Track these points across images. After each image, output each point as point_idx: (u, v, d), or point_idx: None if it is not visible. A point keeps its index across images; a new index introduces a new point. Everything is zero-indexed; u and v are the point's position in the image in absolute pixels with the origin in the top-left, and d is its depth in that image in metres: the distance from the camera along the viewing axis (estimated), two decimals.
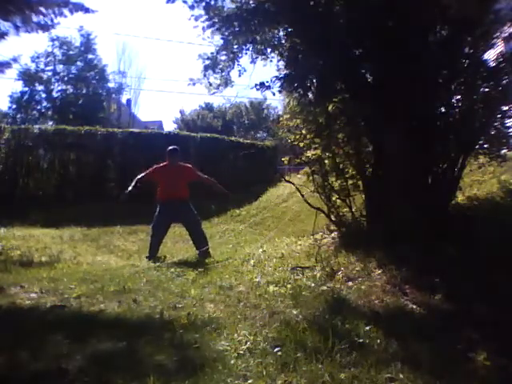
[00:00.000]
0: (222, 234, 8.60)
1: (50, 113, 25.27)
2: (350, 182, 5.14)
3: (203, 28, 4.99)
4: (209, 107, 37.53)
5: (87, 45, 25.28)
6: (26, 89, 24.88)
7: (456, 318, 2.72)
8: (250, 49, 5.09)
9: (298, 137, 5.25)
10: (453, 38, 4.31)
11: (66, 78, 25.11)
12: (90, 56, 25.47)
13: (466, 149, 4.48)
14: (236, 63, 5.24)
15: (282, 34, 4.94)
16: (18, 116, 24.69)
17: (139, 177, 5.68)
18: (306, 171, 5.51)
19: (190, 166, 5.79)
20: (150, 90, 56.35)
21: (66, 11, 5.84)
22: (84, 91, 25.23)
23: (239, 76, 5.47)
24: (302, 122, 5.21)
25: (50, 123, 23.22)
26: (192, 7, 4.94)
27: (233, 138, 15.72)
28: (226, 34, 4.89)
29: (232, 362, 2.15)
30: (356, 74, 4.58)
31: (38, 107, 25.31)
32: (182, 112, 37.42)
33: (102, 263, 5.00)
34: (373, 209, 4.69)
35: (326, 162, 5.15)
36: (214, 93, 5.57)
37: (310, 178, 5.27)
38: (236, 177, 12.69)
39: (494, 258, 3.27)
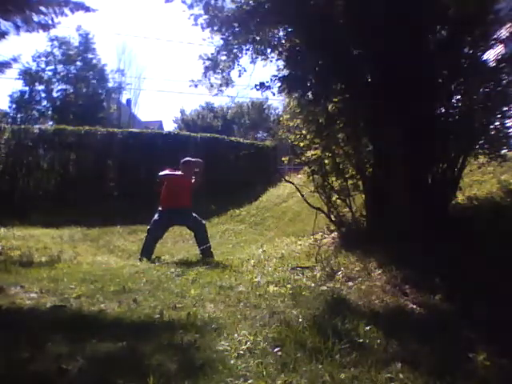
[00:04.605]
0: (221, 233, 8.61)
1: (49, 113, 25.28)
2: (350, 181, 5.14)
3: (202, 27, 4.98)
4: (209, 107, 37.51)
5: (86, 44, 25.29)
6: (26, 88, 24.91)
7: (456, 318, 2.72)
8: (250, 49, 5.08)
9: (298, 137, 5.26)
10: (453, 38, 4.31)
11: (65, 78, 25.12)
12: (90, 56, 25.49)
13: (466, 149, 4.48)
14: (236, 63, 5.23)
15: (281, 34, 4.94)
16: (18, 116, 24.70)
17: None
18: (305, 171, 5.51)
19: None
20: (150, 89, 56.37)
21: (66, 10, 5.82)
22: (84, 91, 25.24)
23: (239, 76, 5.48)
24: (302, 122, 5.21)
25: (50, 123, 23.23)
26: (191, 7, 4.94)
27: (233, 138, 15.70)
28: (226, 34, 4.88)
29: (232, 362, 2.14)
30: (356, 74, 4.58)
31: (38, 107, 25.32)
32: (182, 112, 37.43)
33: (102, 263, 4.99)
34: (373, 209, 4.69)
35: (326, 161, 5.15)
36: (215, 94, 5.58)
37: (310, 178, 5.28)
38: (236, 177, 12.70)
39: (493, 257, 3.27)
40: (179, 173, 5.60)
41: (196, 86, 5.53)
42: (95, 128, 12.52)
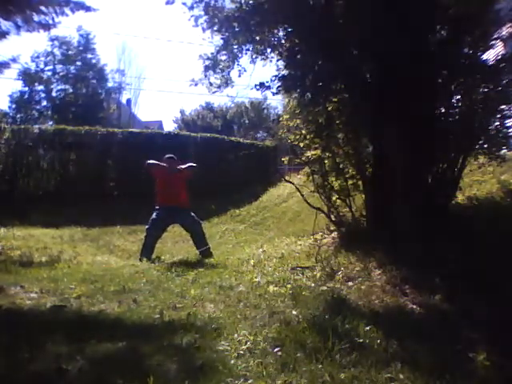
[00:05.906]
0: (221, 233, 8.60)
1: (49, 112, 25.30)
2: (350, 182, 5.14)
3: (203, 28, 4.98)
4: (209, 107, 37.49)
5: (86, 44, 25.30)
6: (26, 88, 24.92)
7: (456, 318, 2.72)
8: (250, 49, 5.08)
9: (297, 137, 5.26)
10: (453, 38, 4.31)
11: (65, 78, 25.12)
12: (89, 55, 25.50)
13: (465, 149, 4.48)
14: (236, 63, 5.23)
15: (281, 34, 4.93)
16: (18, 116, 24.70)
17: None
18: (306, 171, 5.51)
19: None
20: (150, 89, 56.41)
21: (67, 10, 5.84)
22: (83, 91, 25.24)
23: (239, 76, 5.48)
24: (302, 122, 5.21)
25: (50, 123, 23.24)
26: (191, 8, 4.94)
27: (233, 138, 15.70)
28: (226, 34, 4.88)
29: (232, 362, 2.14)
30: (356, 74, 4.58)
31: (38, 107, 25.34)
32: (182, 112, 37.43)
33: (102, 263, 4.99)
34: (373, 209, 4.69)
35: (326, 162, 5.15)
36: (214, 92, 5.58)
37: (310, 178, 5.28)
38: (236, 177, 12.70)
39: (494, 257, 3.27)
40: (165, 165, 5.62)
41: (196, 84, 5.53)
42: (95, 128, 12.51)
